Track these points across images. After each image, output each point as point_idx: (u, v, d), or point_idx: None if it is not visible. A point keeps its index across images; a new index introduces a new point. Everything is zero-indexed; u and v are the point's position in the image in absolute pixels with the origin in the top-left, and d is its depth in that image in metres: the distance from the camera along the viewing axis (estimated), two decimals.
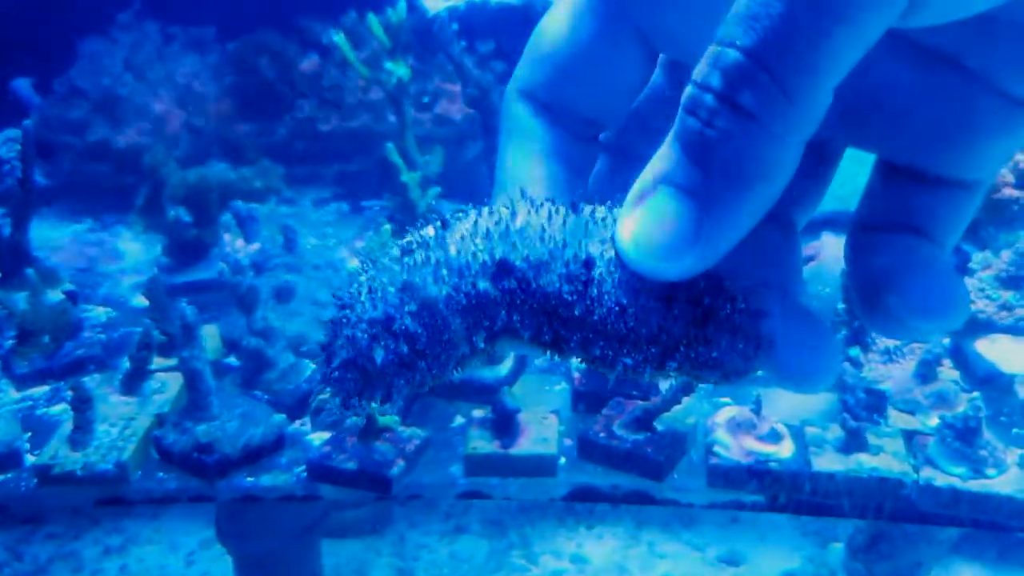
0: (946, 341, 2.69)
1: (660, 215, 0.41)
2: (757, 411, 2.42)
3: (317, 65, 4.01)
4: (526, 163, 0.52)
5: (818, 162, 0.53)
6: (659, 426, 2.47)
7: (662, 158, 0.42)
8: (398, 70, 3.32)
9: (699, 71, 0.40)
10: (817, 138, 0.43)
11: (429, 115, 3.97)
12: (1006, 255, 2.75)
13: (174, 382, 2.68)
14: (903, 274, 0.48)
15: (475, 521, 3.78)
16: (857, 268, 0.51)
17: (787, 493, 2.35)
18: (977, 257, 2.85)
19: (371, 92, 3.97)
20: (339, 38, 3.49)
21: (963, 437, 2.26)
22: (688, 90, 0.40)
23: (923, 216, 0.50)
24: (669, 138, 0.42)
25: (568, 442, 2.54)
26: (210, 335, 2.86)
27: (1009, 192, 2.79)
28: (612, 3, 0.51)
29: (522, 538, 3.72)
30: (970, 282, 2.80)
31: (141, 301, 3.07)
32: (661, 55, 0.54)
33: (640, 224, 0.42)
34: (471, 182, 3.87)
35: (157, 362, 2.77)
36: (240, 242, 2.97)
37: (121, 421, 2.55)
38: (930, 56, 0.47)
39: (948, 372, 2.56)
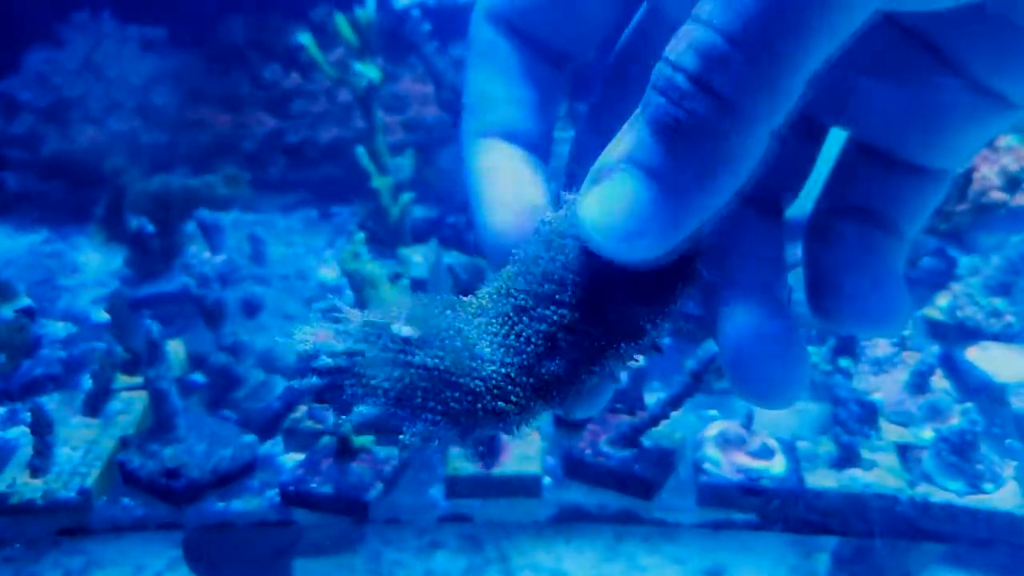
0: (935, 349, 2.64)
1: (621, 195, 0.40)
2: (747, 425, 2.35)
3: (280, 73, 3.88)
4: (496, 83, 0.50)
5: (804, 140, 0.52)
6: (646, 442, 2.39)
7: (628, 135, 0.40)
8: (368, 72, 3.21)
9: (672, 48, 0.38)
10: (803, 114, 0.42)
11: (400, 118, 3.86)
12: (994, 260, 2.70)
13: (139, 402, 2.56)
14: (849, 274, 0.47)
15: (451, 536, 3.68)
16: (809, 256, 0.50)
17: (780, 511, 2.28)
18: (964, 263, 2.80)
19: (340, 95, 3.86)
20: (305, 38, 3.37)
21: (959, 451, 2.20)
22: (659, 67, 0.38)
23: (886, 201, 0.49)
24: (636, 114, 0.40)
25: (551, 460, 2.46)
26: (175, 351, 2.74)
27: (996, 195, 2.74)
28: None
29: (499, 553, 3.62)
30: (958, 288, 2.75)
31: (103, 315, 2.94)
32: None
33: (600, 203, 0.40)
34: (445, 187, 3.77)
35: (121, 380, 2.64)
36: (205, 253, 2.85)
37: (84, 444, 2.42)
38: (910, 37, 0.45)
39: (939, 382, 2.50)
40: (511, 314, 0.46)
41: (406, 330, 0.45)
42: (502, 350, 0.46)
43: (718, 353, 0.46)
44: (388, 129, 3.63)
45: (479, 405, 0.45)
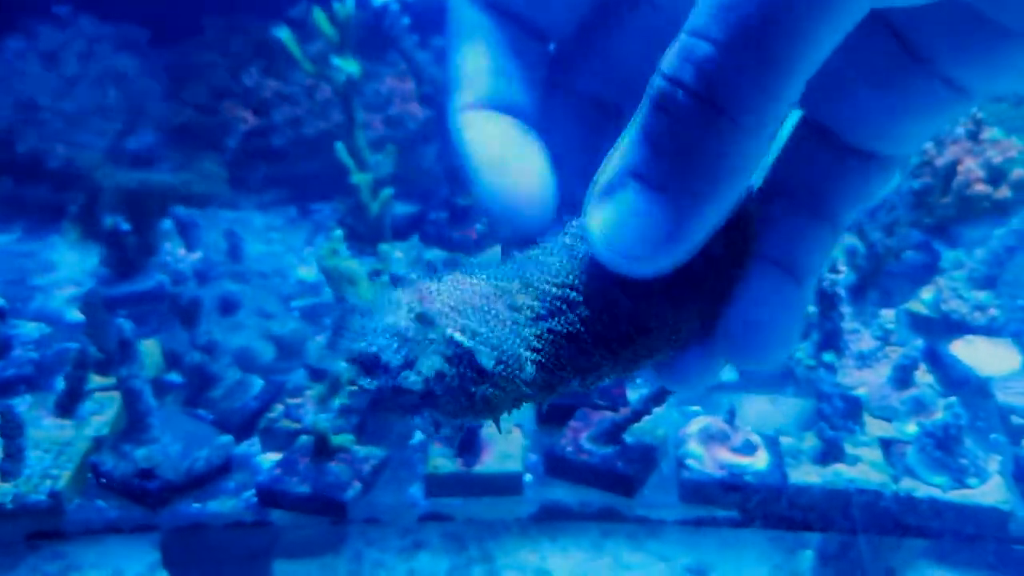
0: (919, 343, 2.62)
1: (630, 212, 0.40)
2: (730, 421, 2.33)
3: (260, 71, 3.83)
4: (480, 57, 0.49)
5: None
6: (628, 438, 2.36)
7: (630, 148, 0.40)
8: (347, 66, 3.17)
9: (669, 62, 0.38)
10: None
11: (381, 115, 3.82)
12: (978, 253, 2.68)
13: (114, 402, 2.51)
14: (746, 299, 0.47)
15: (435, 536, 3.64)
16: None
17: (763, 507, 2.25)
18: (949, 257, 2.79)
19: (320, 92, 3.82)
20: (284, 33, 3.33)
21: (943, 445, 2.18)
22: (656, 82, 0.39)
23: (828, 185, 0.49)
24: (636, 126, 0.40)
25: (533, 457, 2.42)
26: (151, 350, 2.69)
27: (980, 188, 2.73)
28: None
29: (483, 553, 3.59)
30: (942, 281, 2.73)
31: (77, 315, 2.89)
32: None
33: (610, 221, 0.41)
34: (427, 183, 3.73)
35: (96, 380, 2.59)
36: (181, 250, 2.80)
37: (55, 446, 2.37)
38: (873, 23, 0.44)
39: (923, 376, 2.48)
40: (543, 315, 0.45)
41: (459, 336, 0.43)
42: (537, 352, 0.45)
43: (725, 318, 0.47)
44: (370, 126, 3.59)
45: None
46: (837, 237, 0.50)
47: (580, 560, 3.58)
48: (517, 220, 0.48)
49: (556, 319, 0.45)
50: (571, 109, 0.53)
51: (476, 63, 0.50)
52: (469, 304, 0.44)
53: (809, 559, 3.28)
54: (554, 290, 0.45)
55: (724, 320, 0.47)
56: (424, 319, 0.43)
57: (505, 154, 0.48)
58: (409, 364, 0.42)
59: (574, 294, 0.45)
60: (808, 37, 0.36)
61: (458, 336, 0.43)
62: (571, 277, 0.45)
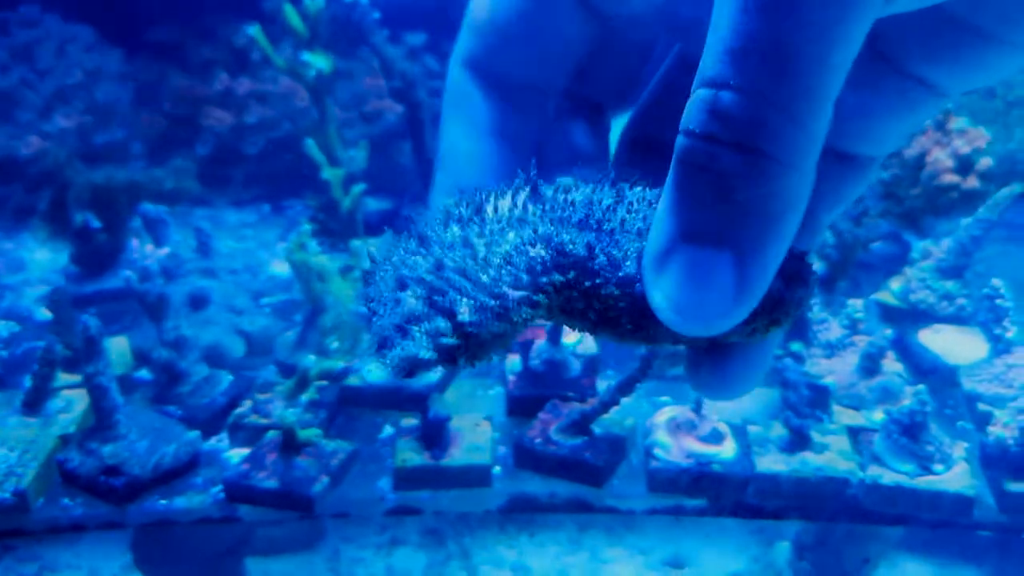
0: (888, 332, 2.63)
1: (696, 274, 0.39)
2: (698, 410, 2.33)
3: (228, 81, 3.81)
4: (469, 140, 0.50)
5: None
6: (597, 429, 2.36)
7: (671, 214, 0.39)
8: (317, 61, 3.16)
9: (693, 119, 0.38)
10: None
11: (356, 112, 3.82)
12: (946, 243, 2.69)
13: (81, 400, 2.50)
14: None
15: (412, 532, 3.63)
16: None
17: (730, 496, 2.25)
18: (918, 246, 2.79)
19: (293, 88, 3.80)
20: (254, 30, 3.32)
21: (909, 432, 2.18)
22: (685, 142, 0.38)
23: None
24: (669, 191, 0.39)
25: (503, 449, 2.42)
26: (120, 347, 2.68)
27: (949, 178, 2.73)
28: None
29: (461, 548, 3.58)
30: (911, 272, 2.74)
31: (47, 314, 2.88)
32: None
33: (677, 289, 0.40)
34: (400, 179, 3.72)
35: (63, 378, 2.58)
36: (149, 247, 2.79)
37: (20, 444, 2.36)
38: None
39: (891, 365, 2.49)
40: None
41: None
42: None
43: None
44: (345, 122, 3.58)
45: None
46: (818, 240, 0.51)
47: (557, 554, 3.57)
48: None
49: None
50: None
51: (461, 143, 0.50)
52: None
53: (786, 550, 3.29)
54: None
55: (694, 359, 0.48)
56: None
57: None
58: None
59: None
60: (829, 61, 0.36)
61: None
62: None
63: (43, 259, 3.34)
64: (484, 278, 0.43)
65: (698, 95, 0.37)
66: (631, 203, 0.46)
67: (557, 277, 0.43)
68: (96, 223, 3.05)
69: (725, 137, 0.37)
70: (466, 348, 0.43)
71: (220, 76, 3.88)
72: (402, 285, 0.44)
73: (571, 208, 0.45)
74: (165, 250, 2.78)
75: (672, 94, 0.52)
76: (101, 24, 3.91)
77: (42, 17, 3.80)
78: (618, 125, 0.57)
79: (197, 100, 3.79)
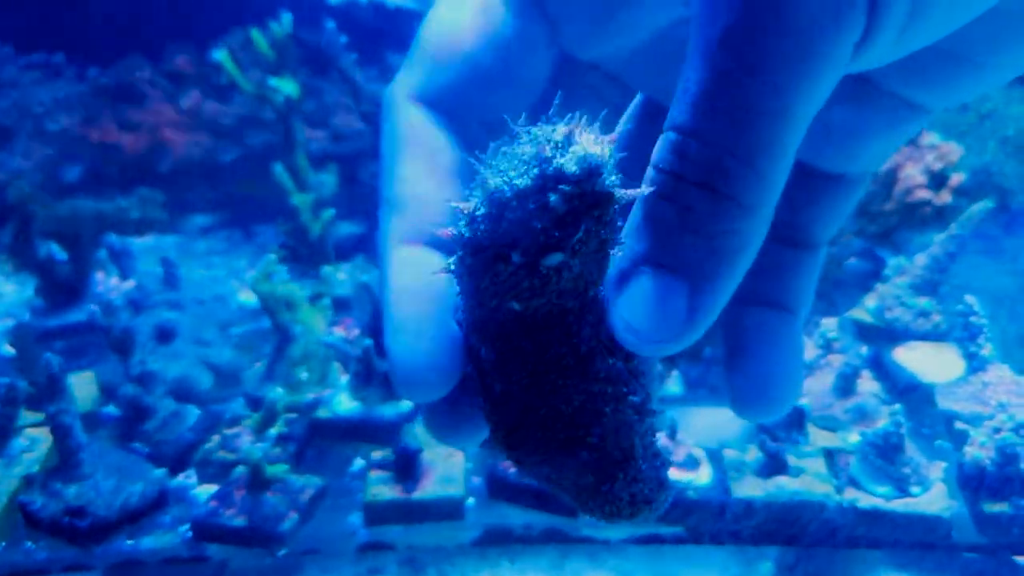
0: (864, 350, 2.60)
1: (648, 297, 0.41)
2: (672, 436, 2.30)
3: (198, 99, 3.77)
4: (432, 181, 0.47)
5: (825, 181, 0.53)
6: None
7: (635, 239, 0.41)
8: (284, 87, 3.13)
9: (662, 159, 0.40)
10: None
11: (325, 132, 3.78)
12: (920, 259, 2.67)
13: (46, 439, 2.44)
14: (752, 345, 0.49)
15: (391, 562, 3.57)
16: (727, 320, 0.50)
17: (707, 523, 2.22)
18: (892, 263, 2.77)
19: (261, 111, 3.76)
20: (222, 55, 3.28)
21: (885, 454, 2.16)
22: (655, 176, 0.40)
23: (805, 212, 0.50)
24: (636, 217, 0.41)
25: (477, 480, 2.38)
26: (86, 383, 2.63)
27: (922, 194, 2.72)
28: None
29: None
30: (885, 289, 2.72)
31: (9, 349, 2.82)
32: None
33: (629, 308, 0.41)
34: (372, 202, 3.68)
35: (28, 416, 2.52)
36: (114, 279, 2.74)
37: None
38: None
39: (867, 384, 2.46)
40: None
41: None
42: None
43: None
44: (314, 141, 3.54)
45: None
46: (820, 259, 0.51)
47: None
48: (416, 386, 0.45)
49: None
50: None
51: (420, 186, 0.46)
52: None
53: (768, 570, 3.25)
54: None
55: (733, 380, 0.48)
56: None
57: (424, 314, 0.45)
58: None
59: None
60: (789, 117, 0.38)
61: None
62: None
63: (9, 292, 3.28)
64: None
65: (667, 137, 0.39)
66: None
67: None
68: (61, 255, 3.00)
69: (691, 177, 0.39)
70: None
71: (189, 93, 3.84)
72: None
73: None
74: (131, 282, 2.73)
75: (636, 140, 0.52)
76: (60, 52, 3.87)
77: None
78: None
79: (159, 124, 3.76)
